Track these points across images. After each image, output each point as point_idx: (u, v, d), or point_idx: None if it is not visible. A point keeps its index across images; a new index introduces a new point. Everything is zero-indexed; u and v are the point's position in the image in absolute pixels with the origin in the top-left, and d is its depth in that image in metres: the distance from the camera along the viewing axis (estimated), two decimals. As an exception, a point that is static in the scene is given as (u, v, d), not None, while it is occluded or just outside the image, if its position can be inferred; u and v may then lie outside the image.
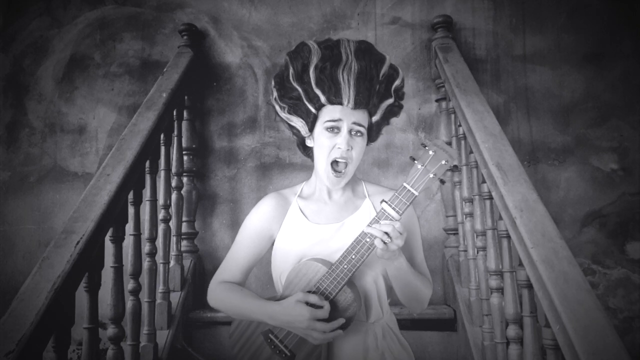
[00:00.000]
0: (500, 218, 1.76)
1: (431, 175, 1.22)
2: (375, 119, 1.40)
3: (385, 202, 1.25)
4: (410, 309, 1.46)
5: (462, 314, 2.30)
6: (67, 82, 2.90)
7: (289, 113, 1.41)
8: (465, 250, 2.35)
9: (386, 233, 1.20)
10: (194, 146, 2.73)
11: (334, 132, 1.35)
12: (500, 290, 1.94)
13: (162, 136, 2.31)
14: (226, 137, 2.82)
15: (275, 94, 1.43)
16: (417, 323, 2.38)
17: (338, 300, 1.28)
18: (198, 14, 2.89)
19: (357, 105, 1.34)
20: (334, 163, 1.36)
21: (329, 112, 1.35)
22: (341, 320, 1.26)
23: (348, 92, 1.33)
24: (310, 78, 1.35)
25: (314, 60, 1.35)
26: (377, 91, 1.36)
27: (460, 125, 2.30)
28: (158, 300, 2.21)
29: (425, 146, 1.25)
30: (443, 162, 1.22)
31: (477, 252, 2.17)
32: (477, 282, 2.22)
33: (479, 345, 2.12)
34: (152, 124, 2.13)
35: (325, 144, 1.35)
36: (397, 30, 2.83)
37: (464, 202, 2.34)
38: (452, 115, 2.51)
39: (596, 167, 2.69)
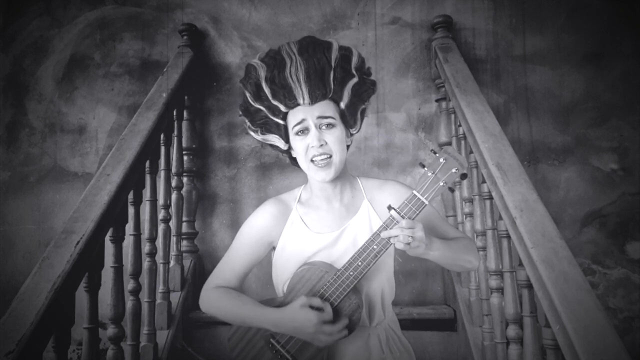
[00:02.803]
0: (500, 218, 1.76)
1: (441, 184, 1.20)
2: (344, 104, 1.36)
3: (394, 209, 1.22)
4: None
5: (462, 314, 2.29)
6: (67, 82, 2.90)
7: (263, 134, 1.41)
8: (465, 250, 2.35)
9: (397, 237, 1.19)
10: (194, 146, 2.73)
11: (304, 134, 1.34)
12: (500, 290, 1.94)
13: (162, 136, 2.31)
14: (226, 137, 2.82)
15: (247, 122, 1.44)
16: (417, 323, 2.38)
17: (342, 306, 1.27)
18: (198, 14, 2.89)
19: (315, 99, 1.32)
20: (313, 161, 1.33)
21: (293, 116, 1.35)
22: (345, 321, 1.25)
23: (301, 90, 1.31)
24: (267, 93, 1.35)
25: (262, 74, 1.35)
26: (334, 77, 1.33)
27: (460, 125, 2.30)
28: (158, 300, 2.21)
29: (435, 153, 1.21)
30: (453, 170, 1.19)
31: (477, 252, 2.17)
32: (477, 282, 2.22)
33: (479, 345, 2.12)
34: (152, 124, 2.13)
35: (300, 147, 1.34)
36: (397, 30, 2.83)
37: (464, 202, 2.34)
38: (452, 115, 2.51)
39: (596, 167, 2.69)
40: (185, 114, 2.71)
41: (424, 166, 1.22)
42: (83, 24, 2.94)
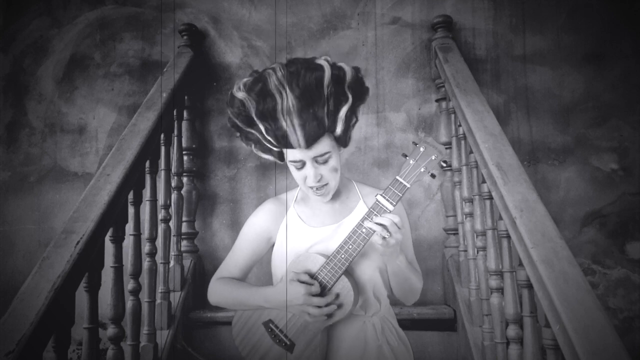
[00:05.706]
0: (500, 218, 1.76)
1: (422, 169, 1.29)
2: (338, 131, 1.33)
3: (380, 194, 1.31)
4: (403, 301, 1.50)
5: (462, 314, 2.29)
6: (67, 82, 2.90)
7: (257, 151, 1.42)
8: (465, 250, 2.35)
9: (384, 227, 1.25)
10: (194, 146, 2.73)
11: (301, 168, 1.35)
12: (500, 290, 1.94)
13: (162, 136, 2.31)
14: (226, 137, 2.82)
15: (237, 133, 1.43)
16: (417, 323, 2.38)
17: (336, 289, 1.33)
18: (198, 14, 2.89)
19: (310, 143, 1.29)
20: (311, 189, 1.38)
21: (290, 154, 1.34)
22: (334, 296, 1.31)
23: (296, 137, 1.27)
24: (260, 127, 1.32)
25: (252, 109, 1.30)
26: (327, 112, 1.29)
27: (460, 125, 2.30)
28: (158, 300, 2.21)
29: (415, 144, 1.32)
30: (433, 157, 1.29)
31: (477, 252, 2.17)
32: (477, 282, 2.22)
33: (479, 345, 2.12)
34: (152, 124, 2.13)
35: (297, 176, 1.38)
36: (397, 30, 2.83)
37: (464, 202, 2.34)
38: (452, 115, 2.51)
39: (596, 167, 2.69)
40: (185, 114, 2.71)
41: (405, 155, 1.32)
42: (83, 24, 2.94)
